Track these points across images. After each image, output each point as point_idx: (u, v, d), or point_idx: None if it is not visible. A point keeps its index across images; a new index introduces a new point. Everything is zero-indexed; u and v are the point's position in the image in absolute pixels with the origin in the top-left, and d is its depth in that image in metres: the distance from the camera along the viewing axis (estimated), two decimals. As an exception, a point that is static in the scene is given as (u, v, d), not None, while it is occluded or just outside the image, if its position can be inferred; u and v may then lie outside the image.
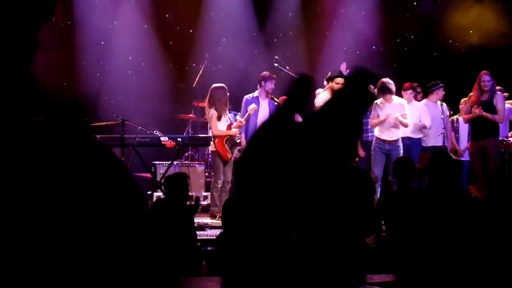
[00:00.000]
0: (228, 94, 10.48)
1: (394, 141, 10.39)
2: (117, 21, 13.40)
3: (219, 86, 10.41)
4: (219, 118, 10.40)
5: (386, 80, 10.37)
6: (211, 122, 10.44)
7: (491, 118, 10.33)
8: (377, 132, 10.43)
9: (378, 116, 10.38)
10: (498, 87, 10.99)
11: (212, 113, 10.38)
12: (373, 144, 10.43)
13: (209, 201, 10.58)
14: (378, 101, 10.52)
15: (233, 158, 10.96)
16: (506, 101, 11.18)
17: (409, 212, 5.58)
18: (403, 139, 10.75)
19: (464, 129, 11.45)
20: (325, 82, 10.25)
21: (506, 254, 5.40)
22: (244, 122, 10.48)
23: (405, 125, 10.42)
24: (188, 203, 6.90)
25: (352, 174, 5.33)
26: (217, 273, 5.86)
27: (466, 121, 10.69)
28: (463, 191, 9.26)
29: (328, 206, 5.16)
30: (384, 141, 10.36)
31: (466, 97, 10.77)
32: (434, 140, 11.08)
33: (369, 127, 10.53)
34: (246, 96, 10.60)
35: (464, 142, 11.44)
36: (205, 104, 10.49)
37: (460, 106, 11.40)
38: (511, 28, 12.72)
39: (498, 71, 11.20)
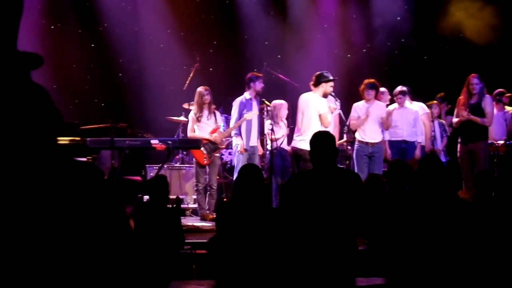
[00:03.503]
0: (208, 97, 10.50)
1: (377, 143, 10.43)
2: (107, 24, 13.38)
3: (199, 89, 10.53)
4: (198, 120, 10.47)
5: (374, 80, 10.47)
6: (189, 123, 10.54)
7: (480, 121, 10.38)
8: (359, 135, 10.46)
9: (358, 117, 10.42)
10: (507, 94, 11.09)
11: (191, 116, 10.50)
12: (355, 148, 10.44)
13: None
14: (358, 103, 10.58)
15: (219, 162, 10.99)
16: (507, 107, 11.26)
17: (400, 215, 5.59)
18: (399, 142, 10.80)
19: (438, 130, 11.53)
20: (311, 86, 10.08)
21: (494, 256, 5.43)
22: (233, 129, 10.55)
23: (388, 126, 10.48)
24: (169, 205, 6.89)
25: (343, 177, 5.35)
26: (208, 276, 5.86)
27: (456, 124, 10.72)
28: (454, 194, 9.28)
29: (315, 207, 5.18)
30: (367, 143, 10.39)
31: (456, 100, 10.80)
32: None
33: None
34: (239, 99, 10.58)
35: (439, 142, 11.50)
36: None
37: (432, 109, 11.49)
38: (501, 29, 12.76)
39: (489, 74, 11.26)
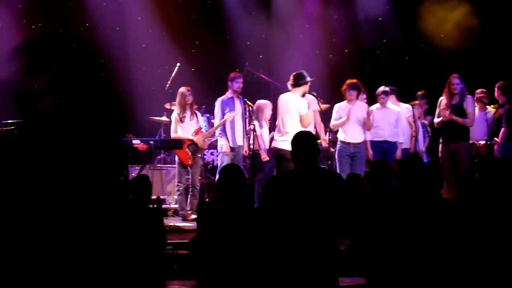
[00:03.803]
0: (190, 97, 10.49)
1: (359, 143, 10.46)
2: (89, 23, 13.32)
3: (181, 89, 10.53)
4: (181, 121, 10.46)
5: (356, 80, 10.49)
6: (172, 124, 10.52)
7: (462, 122, 10.41)
8: (341, 135, 10.47)
9: (340, 117, 10.44)
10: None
11: (174, 115, 10.48)
12: (337, 148, 10.45)
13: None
14: (339, 103, 10.59)
15: (201, 162, 10.98)
16: (488, 107, 11.30)
17: (382, 215, 5.60)
18: (381, 142, 10.82)
19: (421, 130, 11.57)
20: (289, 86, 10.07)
21: (476, 255, 5.44)
22: (215, 129, 10.57)
23: (369, 127, 10.51)
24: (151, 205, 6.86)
25: (325, 177, 5.34)
26: (190, 276, 5.85)
27: (437, 125, 10.74)
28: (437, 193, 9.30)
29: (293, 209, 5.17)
30: (349, 143, 10.42)
31: (437, 100, 10.83)
32: (405, 143, 11.18)
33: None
34: (221, 98, 10.62)
35: (421, 143, 11.55)
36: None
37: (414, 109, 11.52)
38: (480, 29, 12.83)
39: (470, 74, 11.30)
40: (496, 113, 11.18)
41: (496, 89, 11.20)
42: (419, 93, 12.23)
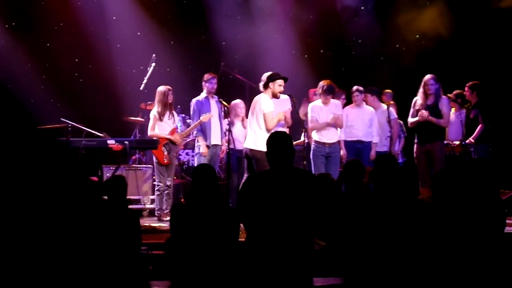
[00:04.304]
0: (171, 96, 10.48)
1: (333, 143, 10.47)
2: (63, 23, 13.23)
3: (160, 88, 10.47)
4: (160, 119, 10.42)
5: (329, 81, 10.48)
6: (150, 121, 10.47)
7: (436, 122, 10.46)
8: (315, 136, 10.47)
9: (317, 119, 10.43)
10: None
11: (154, 113, 10.43)
12: (312, 149, 10.45)
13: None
14: (315, 103, 10.59)
15: (176, 162, 10.95)
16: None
17: (357, 215, 5.61)
18: (355, 142, 10.85)
19: (396, 131, 11.63)
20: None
21: (451, 255, 5.47)
22: (191, 130, 10.59)
23: (340, 126, 10.53)
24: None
25: (300, 177, 5.34)
26: (165, 277, 5.83)
27: (412, 125, 10.78)
28: (412, 194, 9.33)
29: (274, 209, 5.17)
30: (324, 144, 10.42)
31: (412, 101, 10.86)
32: (380, 144, 11.20)
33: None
34: (196, 98, 10.65)
35: (396, 144, 11.59)
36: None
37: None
38: (454, 30, 12.91)
39: (444, 74, 11.35)
40: (469, 113, 11.22)
41: (466, 89, 11.25)
42: (387, 91, 12.19)
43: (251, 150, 9.47)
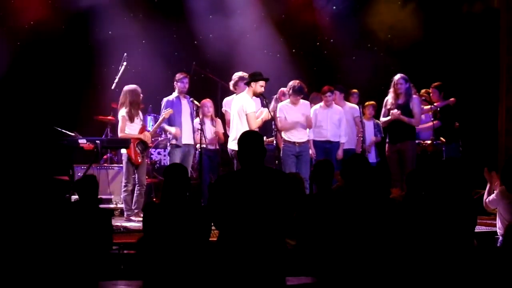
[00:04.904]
0: (141, 95, 10.44)
1: (303, 142, 10.48)
2: (33, 22, 13.11)
3: (132, 87, 10.40)
4: (130, 120, 10.36)
5: (299, 81, 10.49)
6: (120, 123, 10.38)
7: (407, 121, 10.53)
8: (285, 135, 10.47)
9: (285, 118, 10.44)
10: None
11: (123, 114, 10.34)
12: (282, 148, 10.45)
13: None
14: (283, 103, 10.59)
15: (147, 161, 10.92)
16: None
17: (328, 214, 5.63)
18: (323, 142, 10.89)
19: (369, 128, 11.70)
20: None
21: (423, 254, 5.50)
22: (157, 128, 10.57)
23: (310, 126, 10.55)
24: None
25: (271, 176, 5.34)
26: (137, 277, 5.81)
27: (384, 124, 10.84)
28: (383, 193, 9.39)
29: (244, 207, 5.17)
30: (294, 143, 10.43)
31: (384, 100, 10.92)
32: (350, 142, 11.27)
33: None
34: (167, 98, 10.63)
35: (368, 139, 11.67)
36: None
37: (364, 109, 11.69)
38: (425, 28, 13.01)
39: (417, 73, 11.44)
40: (435, 113, 11.34)
41: (431, 89, 11.39)
42: (354, 90, 12.20)
43: (233, 150, 9.57)
